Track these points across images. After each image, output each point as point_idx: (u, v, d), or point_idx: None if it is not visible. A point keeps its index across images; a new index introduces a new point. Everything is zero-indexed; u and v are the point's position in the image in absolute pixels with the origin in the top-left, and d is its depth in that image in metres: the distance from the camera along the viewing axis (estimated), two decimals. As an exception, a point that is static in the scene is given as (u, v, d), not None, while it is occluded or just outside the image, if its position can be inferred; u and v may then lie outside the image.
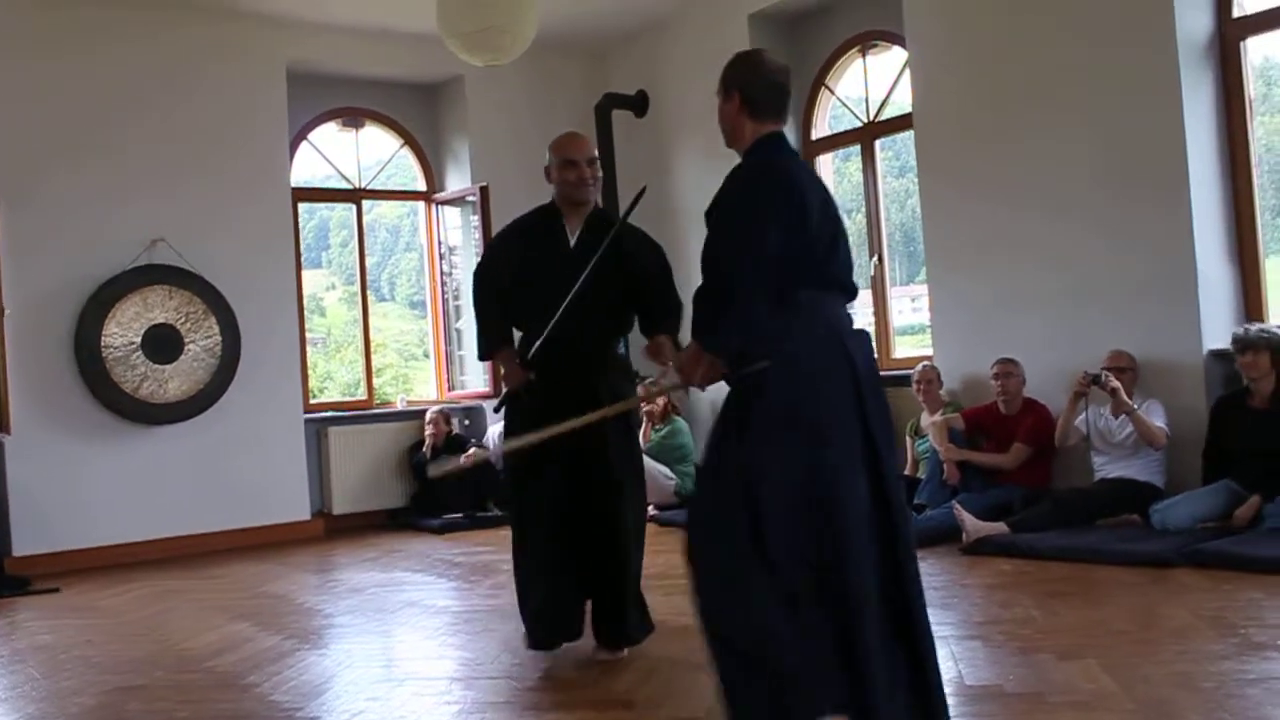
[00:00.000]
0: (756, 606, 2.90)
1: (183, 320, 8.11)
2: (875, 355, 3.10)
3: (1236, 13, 6.56)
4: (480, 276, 4.55)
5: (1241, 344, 5.95)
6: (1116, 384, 6.22)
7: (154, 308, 8.02)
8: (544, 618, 4.36)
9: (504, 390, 4.49)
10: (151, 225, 8.05)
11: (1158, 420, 6.24)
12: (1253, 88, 6.64)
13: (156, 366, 8.02)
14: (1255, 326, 6.04)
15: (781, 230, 2.95)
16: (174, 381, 8.07)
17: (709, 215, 3.15)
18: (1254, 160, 6.60)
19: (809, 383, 2.95)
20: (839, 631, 2.88)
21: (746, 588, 2.92)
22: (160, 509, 8.00)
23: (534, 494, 4.35)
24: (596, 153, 4.49)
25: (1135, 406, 6.23)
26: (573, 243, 4.40)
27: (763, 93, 3.20)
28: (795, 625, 2.88)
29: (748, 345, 2.98)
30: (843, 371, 2.99)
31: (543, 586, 4.36)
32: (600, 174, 4.52)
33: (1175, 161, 6.42)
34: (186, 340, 8.12)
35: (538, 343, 4.30)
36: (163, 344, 8.04)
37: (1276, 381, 5.90)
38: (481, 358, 4.59)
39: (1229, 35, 6.57)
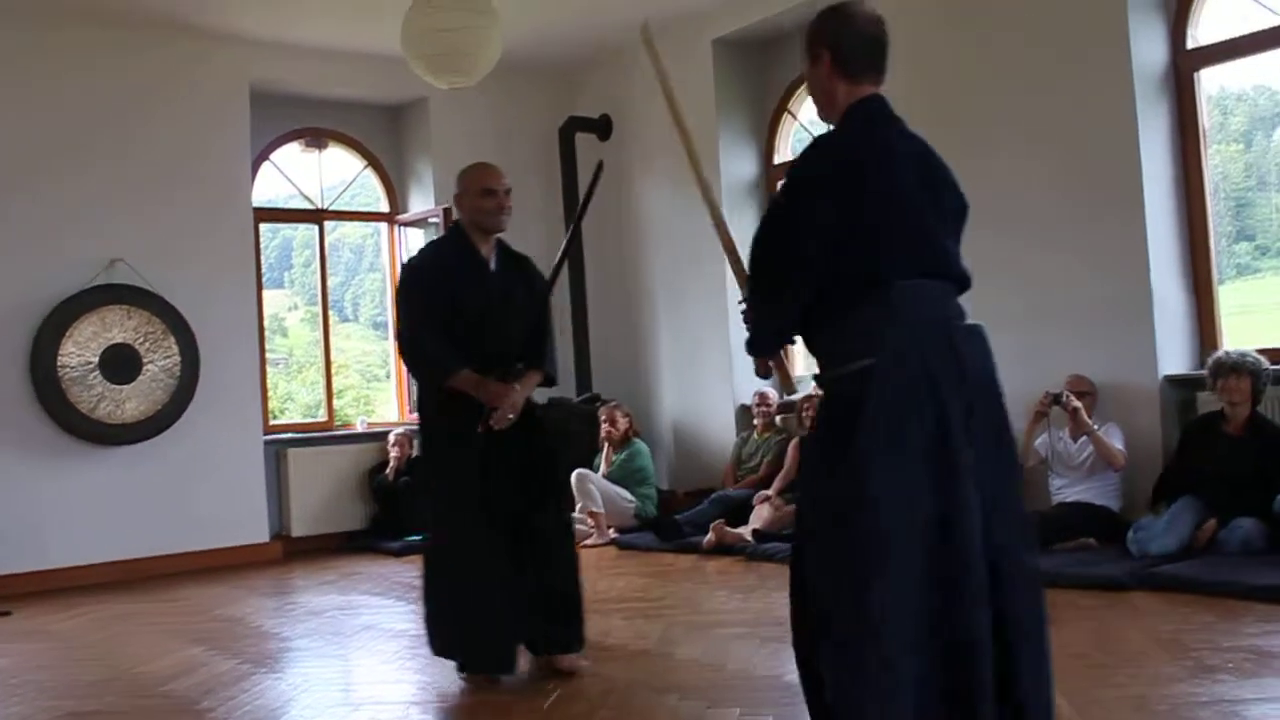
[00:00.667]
0: (900, 699, 2.47)
1: (141, 340, 8.05)
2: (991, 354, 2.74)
3: (1191, 45, 6.66)
4: (412, 303, 4.47)
5: (1226, 368, 5.91)
6: (1078, 404, 6.28)
7: (112, 327, 7.95)
8: (495, 637, 4.30)
9: (487, 410, 4.33)
10: (111, 245, 7.99)
11: (1115, 442, 6.30)
12: (1207, 118, 6.74)
13: (114, 387, 7.94)
14: (1236, 351, 6.01)
15: (845, 210, 2.61)
16: (131, 402, 8.00)
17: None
18: (1209, 188, 6.68)
19: (914, 388, 2.55)
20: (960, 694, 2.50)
21: (887, 676, 2.47)
22: (116, 531, 7.90)
23: (475, 508, 4.29)
24: (510, 184, 4.54)
25: (1095, 428, 6.28)
26: (493, 266, 4.50)
27: (858, 47, 2.88)
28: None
29: (836, 343, 2.65)
30: (951, 374, 2.60)
31: (492, 604, 4.27)
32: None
33: (1131, 189, 6.50)
34: (145, 360, 8.05)
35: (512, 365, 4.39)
36: (121, 364, 7.97)
37: (1252, 408, 5.94)
38: (442, 381, 4.37)
39: (1183, 67, 6.67)
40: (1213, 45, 6.63)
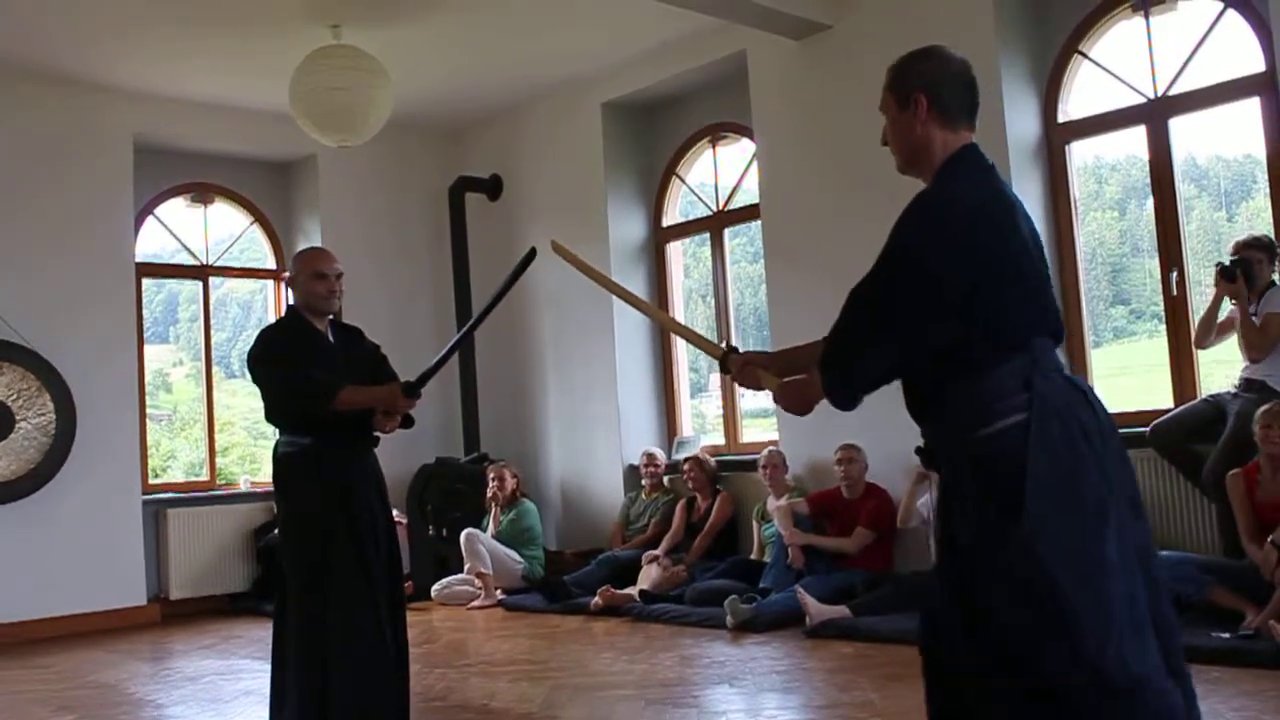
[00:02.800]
0: None
1: (14, 397, 7.80)
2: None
3: (1062, 118, 6.90)
4: (280, 356, 4.51)
5: None
6: None
7: (-16, 384, 7.72)
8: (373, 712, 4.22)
9: (399, 417, 4.58)
10: (-16, 299, 7.76)
11: (992, 504, 6.42)
12: (1078, 187, 6.97)
13: (-15, 445, 7.70)
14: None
15: (985, 266, 2.44)
16: (3, 461, 7.73)
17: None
18: (1080, 255, 6.90)
19: (1072, 442, 2.37)
20: None
21: None
22: (-16, 594, 7.61)
23: (353, 585, 4.28)
24: (341, 268, 4.69)
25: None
26: (331, 339, 4.65)
27: (957, 91, 2.69)
28: None
29: (971, 403, 2.46)
30: (1095, 428, 2.43)
31: (371, 678, 4.22)
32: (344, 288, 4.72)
33: (1007, 256, 6.66)
34: (18, 418, 7.80)
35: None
36: (-8, 422, 7.73)
37: None
38: (330, 402, 4.33)
39: (1055, 139, 6.90)
40: (1082, 119, 6.88)
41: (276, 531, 4.65)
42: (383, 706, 4.24)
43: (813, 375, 2.61)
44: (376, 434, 4.60)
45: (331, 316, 4.72)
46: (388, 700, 4.26)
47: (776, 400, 2.80)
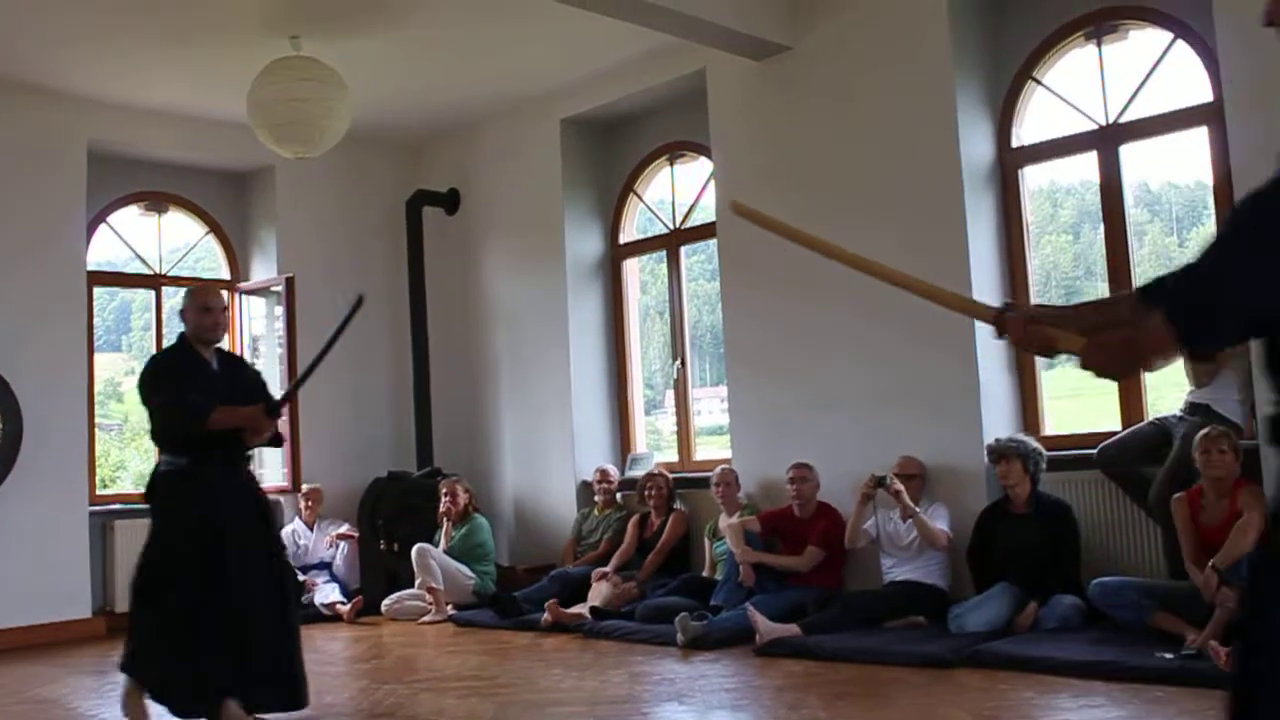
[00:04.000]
0: None
1: (-41, 405, 7.71)
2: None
3: (1015, 143, 6.99)
4: (167, 380, 5.08)
5: (995, 454, 6.30)
6: (900, 487, 6.45)
7: (-72, 392, 7.61)
8: (222, 685, 4.74)
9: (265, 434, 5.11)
10: (-69, 305, 7.66)
11: (940, 523, 6.49)
12: (1031, 211, 7.06)
13: (-71, 453, 7.58)
14: (1007, 437, 6.39)
15: None
16: (-53, 470, 7.63)
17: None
18: (1032, 277, 6.98)
19: None
20: None
21: None
22: (-76, 605, 7.49)
23: (205, 569, 4.81)
24: (226, 302, 5.36)
25: (918, 510, 6.46)
26: (214, 367, 5.19)
27: None
28: None
29: None
30: None
31: (226, 655, 4.76)
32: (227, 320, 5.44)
33: (960, 275, 6.73)
34: (-38, 426, 7.71)
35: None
36: (-63, 430, 7.62)
37: (1032, 487, 6.23)
38: (204, 421, 4.88)
39: (1008, 163, 6.99)
40: (1035, 144, 6.97)
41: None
42: (235, 678, 4.77)
43: (1146, 320, 2.03)
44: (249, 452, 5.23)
45: (218, 345, 5.27)
46: (250, 673, 4.80)
47: (1085, 363, 2.19)
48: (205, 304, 5.19)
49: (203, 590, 4.80)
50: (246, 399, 5.09)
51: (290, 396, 5.30)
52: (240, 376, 5.32)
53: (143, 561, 4.96)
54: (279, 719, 4.92)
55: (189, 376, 5.06)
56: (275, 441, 5.33)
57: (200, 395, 4.97)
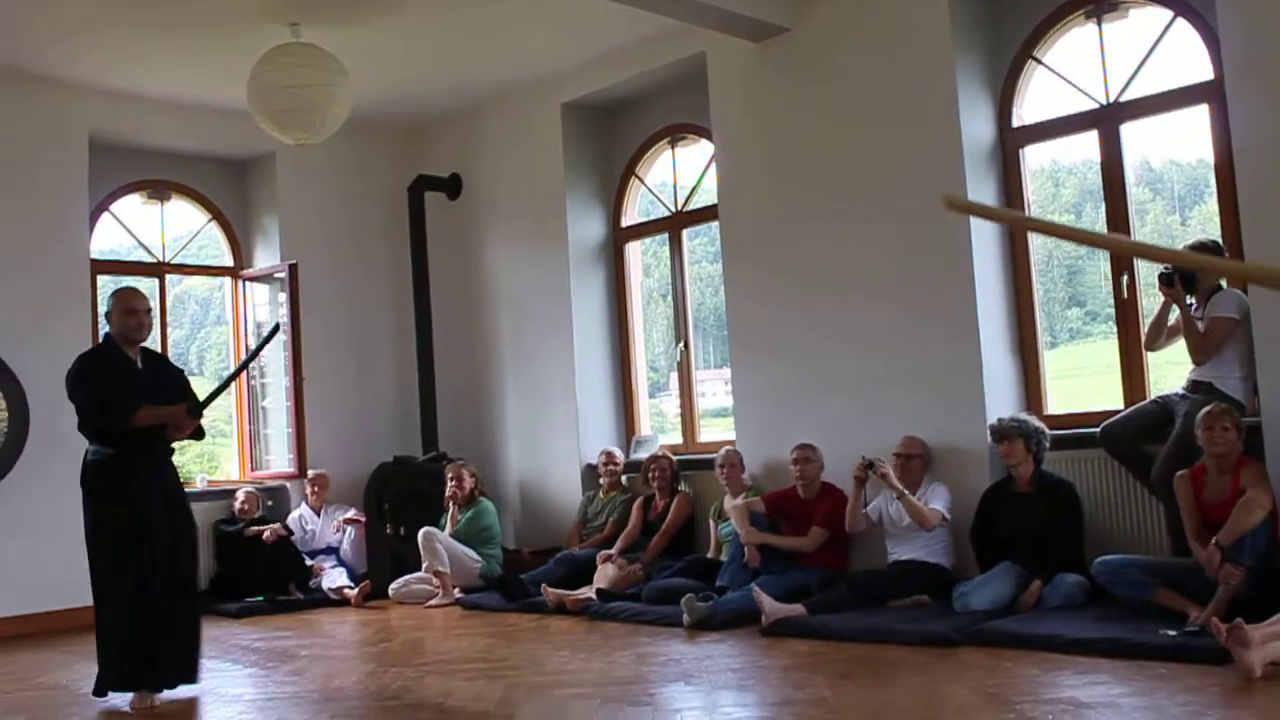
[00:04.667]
0: None
1: (-35, 395, 7.73)
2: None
3: (1016, 122, 6.98)
4: (93, 377, 5.43)
5: (998, 434, 6.31)
6: (886, 469, 6.49)
7: (-67, 381, 7.62)
8: (161, 661, 5.29)
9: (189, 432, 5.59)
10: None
11: (938, 503, 6.51)
12: (1032, 191, 7.05)
13: (-64, 443, 7.61)
14: (1009, 416, 6.41)
15: None
16: (-46, 459, 7.65)
17: None
18: (1033, 258, 6.98)
19: None
20: None
21: None
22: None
23: (143, 556, 5.32)
24: (150, 305, 5.66)
25: (905, 491, 6.49)
26: (140, 366, 5.57)
27: None
28: None
29: None
30: None
31: (162, 635, 5.31)
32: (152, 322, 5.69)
33: (962, 258, 6.75)
34: (-32, 415, 7.74)
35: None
36: (-58, 420, 7.65)
37: (1035, 466, 6.25)
38: (129, 418, 5.29)
39: (1009, 143, 6.98)
40: (1036, 124, 6.96)
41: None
42: (141, 635, 5.27)
43: None
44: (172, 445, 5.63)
45: (143, 345, 5.65)
46: (147, 631, 5.29)
47: None
48: (130, 306, 5.56)
49: (129, 569, 5.29)
50: (168, 395, 5.51)
51: (210, 401, 5.69)
52: (164, 375, 5.71)
53: (90, 561, 5.42)
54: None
55: (114, 375, 5.45)
56: (198, 434, 5.74)
57: (125, 393, 5.35)
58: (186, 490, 9.07)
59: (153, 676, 5.31)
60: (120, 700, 5.28)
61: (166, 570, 5.38)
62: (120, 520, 5.33)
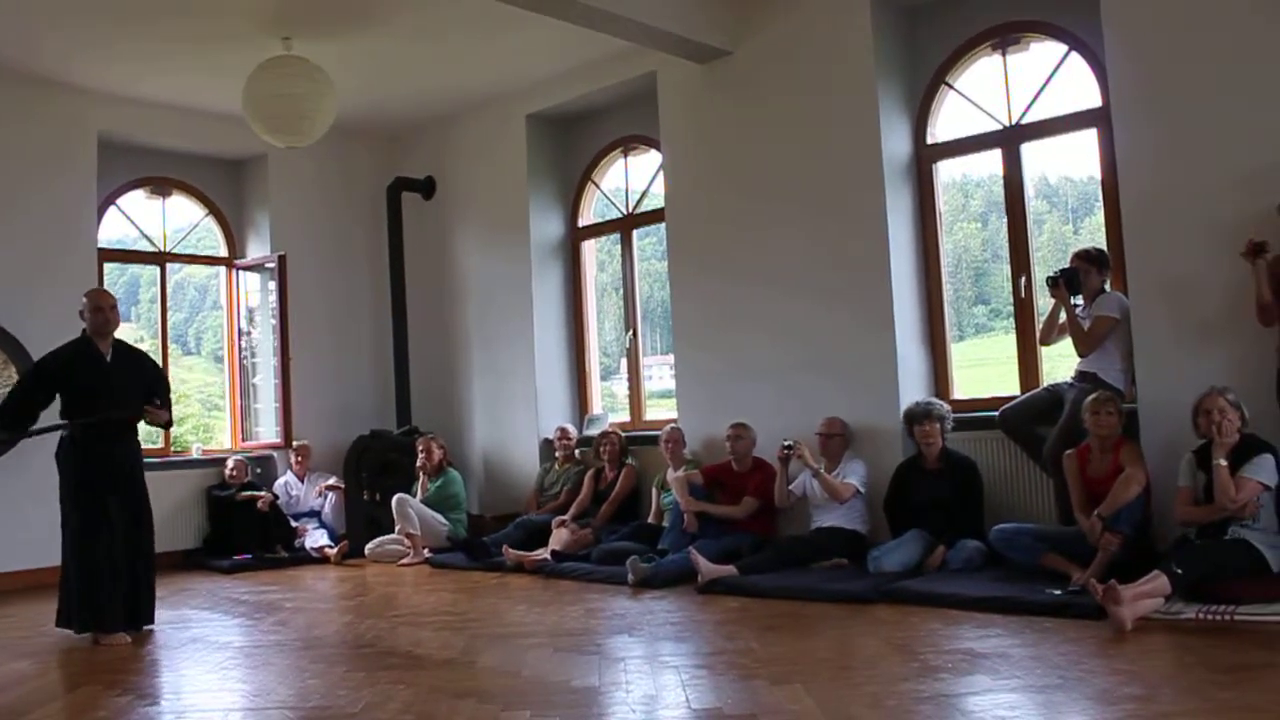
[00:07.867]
0: None
1: (-18, 369, 7.60)
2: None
3: (930, 140, 7.04)
4: (24, 383, 5.72)
5: (919, 416, 6.38)
6: (804, 451, 6.56)
7: (-47, 356, 7.48)
8: (111, 608, 5.49)
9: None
10: (-46, 279, 7.52)
11: (853, 477, 6.59)
12: (943, 201, 7.11)
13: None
14: (923, 400, 6.53)
15: None
16: (-30, 427, 7.50)
17: None
18: (944, 260, 7.05)
19: None
20: None
21: None
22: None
23: (102, 512, 5.54)
24: (115, 301, 5.79)
25: (820, 469, 6.56)
26: (109, 358, 5.69)
27: None
28: None
29: None
30: None
31: (113, 583, 5.50)
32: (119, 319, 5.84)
33: (880, 260, 6.80)
34: (-16, 388, 7.61)
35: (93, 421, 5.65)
36: (-40, 391, 7.50)
37: (942, 445, 6.35)
38: (9, 431, 5.81)
39: (924, 158, 7.04)
40: (947, 142, 7.02)
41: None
42: (106, 596, 5.48)
43: None
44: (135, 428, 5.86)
45: (115, 338, 5.79)
46: (111, 592, 5.49)
47: None
48: (97, 304, 5.69)
49: (93, 528, 5.53)
50: (135, 383, 5.69)
51: (18, 439, 6.16)
52: (136, 367, 5.81)
53: (62, 518, 5.64)
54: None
55: (85, 367, 5.60)
56: (158, 424, 5.98)
57: (94, 382, 5.56)
58: (181, 459, 9.10)
59: (110, 619, 5.48)
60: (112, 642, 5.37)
61: (127, 535, 5.61)
62: (84, 490, 5.57)
